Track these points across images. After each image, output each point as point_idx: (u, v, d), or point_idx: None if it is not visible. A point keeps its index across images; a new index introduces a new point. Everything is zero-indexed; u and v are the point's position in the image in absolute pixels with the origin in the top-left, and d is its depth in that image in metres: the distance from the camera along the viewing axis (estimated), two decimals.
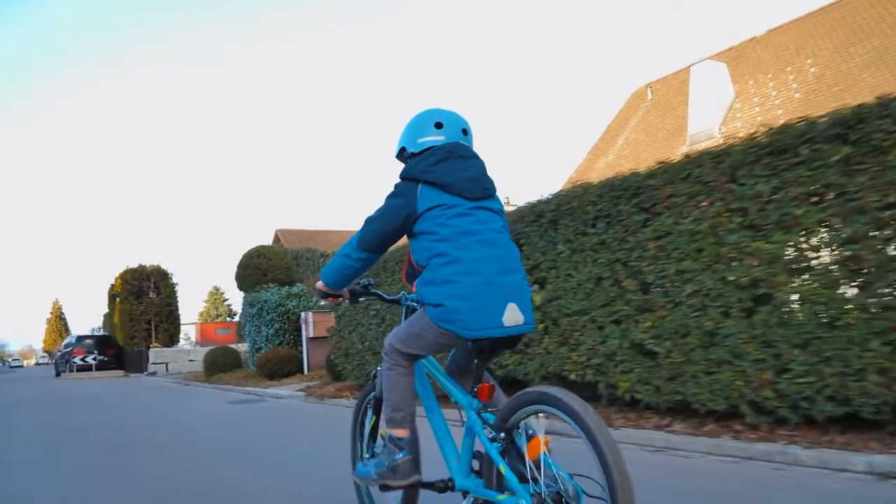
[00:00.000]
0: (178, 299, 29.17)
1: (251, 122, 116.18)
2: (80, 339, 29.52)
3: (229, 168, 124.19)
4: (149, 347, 26.17)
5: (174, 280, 29.09)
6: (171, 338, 28.61)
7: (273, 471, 4.74)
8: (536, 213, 6.31)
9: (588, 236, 5.71)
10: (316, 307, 14.65)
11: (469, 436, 2.35)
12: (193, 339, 35.79)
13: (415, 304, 2.73)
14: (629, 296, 5.32)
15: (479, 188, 2.37)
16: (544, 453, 2.01)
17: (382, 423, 2.61)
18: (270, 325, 15.61)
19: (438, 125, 2.48)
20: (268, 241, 40.50)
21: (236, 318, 63.65)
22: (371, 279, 2.91)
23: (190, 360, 25.37)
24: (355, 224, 17.84)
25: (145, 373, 25.18)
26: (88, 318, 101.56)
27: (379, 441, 2.78)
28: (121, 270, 29.04)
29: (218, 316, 61.30)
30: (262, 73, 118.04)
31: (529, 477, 2.04)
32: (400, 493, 2.62)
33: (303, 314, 14.82)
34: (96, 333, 32.04)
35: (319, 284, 2.65)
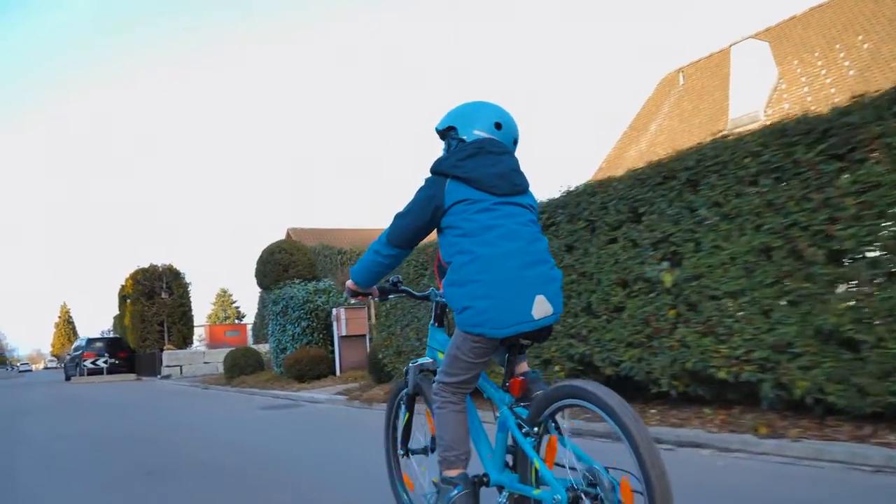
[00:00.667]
0: (192, 299, 27.93)
1: (257, 122, 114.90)
2: (91, 341, 28.35)
3: (237, 168, 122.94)
4: (162, 350, 24.98)
5: (187, 280, 27.87)
6: (185, 339, 27.42)
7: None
8: (665, 174, 5.11)
9: (746, 197, 4.51)
10: (347, 303, 13.47)
11: (502, 431, 2.32)
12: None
13: (443, 299, 2.68)
14: (815, 269, 4.11)
15: (508, 184, 2.30)
16: (577, 446, 2.02)
17: (436, 466, 2.44)
18: (297, 323, 14.41)
19: (498, 126, 2.41)
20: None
21: (245, 321, 62.92)
22: (399, 276, 2.85)
23: (205, 363, 24.18)
24: (368, 222, 16.97)
25: (159, 376, 24.00)
26: (97, 321, 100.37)
27: (430, 488, 2.62)
28: (131, 271, 27.88)
29: (226, 318, 60.33)
30: (268, 74, 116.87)
31: (567, 468, 2.03)
32: None
33: (334, 311, 13.62)
34: (107, 336, 30.85)
35: (349, 283, 2.64)
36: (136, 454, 5.97)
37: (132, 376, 26.47)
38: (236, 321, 57.43)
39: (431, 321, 2.77)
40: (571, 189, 6.04)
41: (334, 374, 13.24)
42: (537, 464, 2.08)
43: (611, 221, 5.56)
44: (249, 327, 29.71)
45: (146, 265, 27.32)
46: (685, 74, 24.04)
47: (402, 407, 2.90)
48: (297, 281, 16.28)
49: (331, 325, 14.08)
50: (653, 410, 5.48)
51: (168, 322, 26.95)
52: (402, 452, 2.90)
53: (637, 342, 5.28)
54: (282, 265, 17.69)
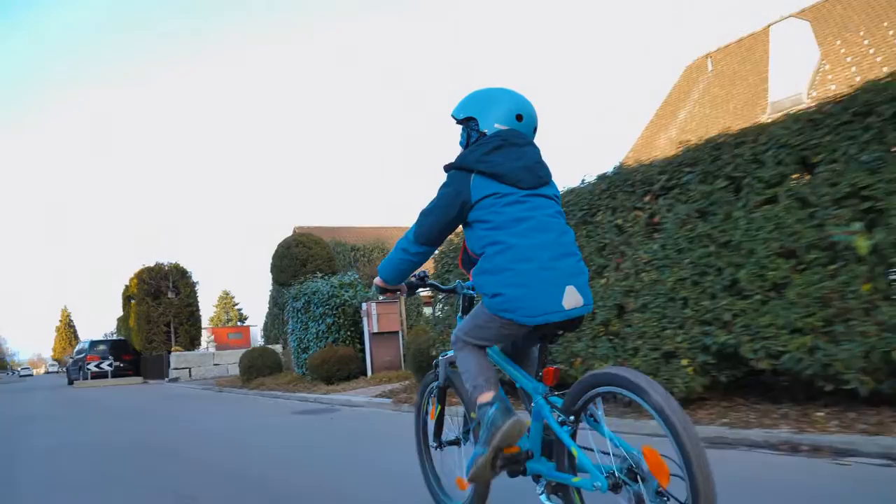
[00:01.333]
0: (199, 299, 26.74)
1: (262, 119, 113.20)
2: (94, 344, 27.15)
3: (241, 167, 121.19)
4: (169, 352, 23.79)
5: (194, 279, 26.67)
6: (192, 341, 26.24)
7: None
8: (854, 112, 3.95)
9: None
10: (376, 298, 12.30)
11: (538, 420, 2.29)
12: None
13: (471, 291, 2.75)
14: None
15: (534, 177, 2.28)
16: (613, 434, 2.01)
17: (471, 405, 2.41)
18: (321, 320, 13.21)
19: (519, 118, 2.36)
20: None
21: (247, 323, 61.77)
22: (426, 270, 2.85)
23: (215, 365, 23.01)
24: (376, 220, 15.96)
25: (166, 379, 22.82)
26: (99, 325, 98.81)
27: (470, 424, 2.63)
28: (136, 270, 26.70)
29: (229, 321, 59.27)
30: (273, 72, 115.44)
31: (611, 453, 2.00)
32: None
33: (364, 306, 12.43)
34: (111, 338, 29.64)
35: (377, 280, 2.63)
36: (161, 470, 4.82)
37: (138, 379, 25.28)
38: (238, 324, 56.50)
39: (458, 313, 2.79)
40: (707, 142, 4.87)
41: (364, 374, 12.07)
42: (575, 451, 2.07)
43: (767, 177, 4.40)
44: (259, 328, 28.54)
45: (151, 264, 26.11)
46: (713, 60, 22.99)
47: (434, 400, 2.91)
48: (318, 275, 15.13)
49: (359, 322, 12.91)
50: (819, 413, 4.33)
51: (175, 323, 25.78)
52: (434, 445, 2.91)
53: (809, 328, 4.12)
54: (299, 259, 16.54)
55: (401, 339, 12.33)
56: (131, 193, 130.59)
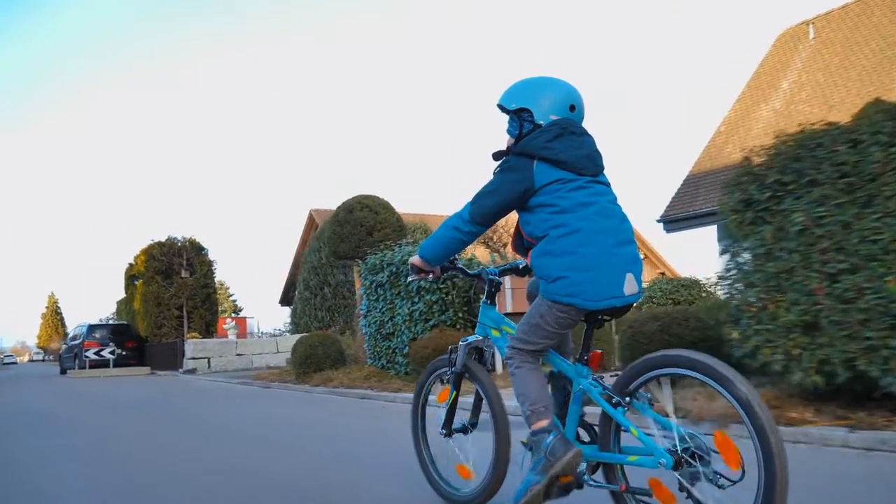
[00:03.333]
0: (216, 279, 23.09)
1: (274, 100, 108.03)
2: (93, 329, 23.45)
3: (251, 150, 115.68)
4: (183, 339, 20.18)
5: (211, 257, 23.05)
6: (208, 327, 22.63)
7: None
8: None
9: None
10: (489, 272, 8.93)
11: (577, 403, 2.32)
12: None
13: (496, 277, 2.78)
14: None
15: (594, 165, 2.31)
16: (663, 417, 2.03)
17: (526, 423, 2.32)
18: (417, 297, 9.79)
19: (572, 108, 2.36)
20: (300, 224, 35.06)
21: (241, 314, 57.94)
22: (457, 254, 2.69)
23: (238, 355, 19.46)
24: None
25: (181, 370, 19.27)
26: (88, 312, 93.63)
27: (524, 453, 2.39)
28: (143, 246, 23.05)
29: (223, 311, 55.72)
30: (282, 56, 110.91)
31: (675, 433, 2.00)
32: (492, 446, 2.61)
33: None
34: (112, 322, 25.88)
35: (415, 259, 2.63)
36: None
37: (144, 370, 21.64)
38: (234, 314, 53.26)
39: (483, 299, 2.77)
40: None
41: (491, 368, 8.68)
42: (635, 431, 2.06)
43: None
44: (288, 313, 24.89)
45: (163, 238, 22.47)
46: (815, 27, 19.95)
47: (450, 387, 2.84)
48: (390, 244, 11.70)
49: (473, 301, 9.51)
50: None
51: (188, 306, 22.15)
52: (443, 433, 2.83)
53: None
54: (365, 226, 13.09)
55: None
56: (123, 178, 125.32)
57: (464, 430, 2.79)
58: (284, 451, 4.64)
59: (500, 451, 2.58)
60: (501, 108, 2.42)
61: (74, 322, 73.01)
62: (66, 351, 24.52)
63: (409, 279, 2.82)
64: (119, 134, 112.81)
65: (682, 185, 18.20)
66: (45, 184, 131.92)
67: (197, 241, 22.64)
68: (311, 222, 33.58)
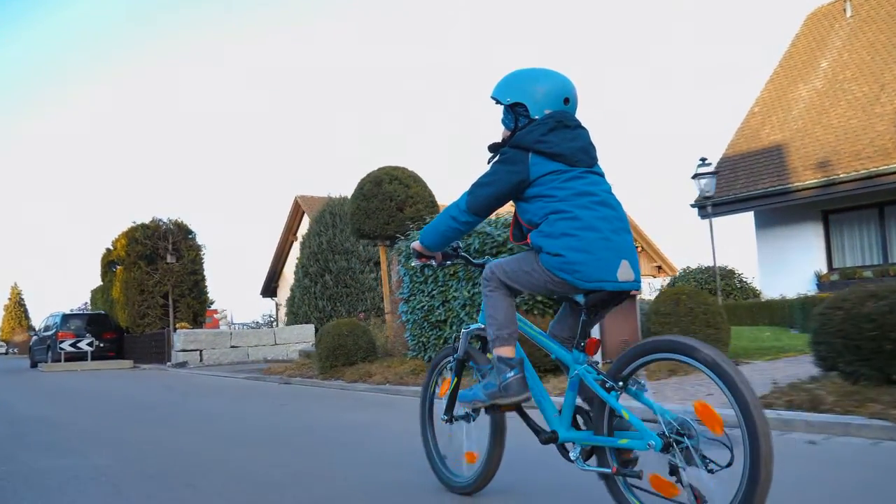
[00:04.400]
0: (205, 266, 21.19)
1: (259, 84, 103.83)
2: (68, 318, 21.40)
3: (235, 134, 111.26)
4: (174, 329, 18.32)
5: (199, 241, 21.13)
6: (196, 317, 20.74)
7: None
8: None
9: None
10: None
11: (573, 389, 2.33)
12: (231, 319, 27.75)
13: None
14: None
15: (588, 157, 2.35)
16: (653, 402, 2.05)
17: (490, 346, 2.45)
18: (472, 279, 8.24)
19: (566, 101, 2.39)
20: (285, 210, 33.26)
21: (213, 306, 55.99)
22: (460, 242, 2.82)
23: (232, 347, 17.70)
24: None
25: (169, 364, 17.44)
26: (56, 302, 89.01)
27: (484, 366, 2.59)
28: (125, 229, 21.05)
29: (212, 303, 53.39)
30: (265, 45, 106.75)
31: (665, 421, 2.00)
32: (488, 427, 2.66)
33: None
34: (88, 311, 23.77)
35: (416, 245, 2.65)
36: None
37: (125, 363, 19.70)
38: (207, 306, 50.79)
39: None
40: None
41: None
42: (626, 414, 2.07)
43: None
44: (282, 303, 23.08)
45: (148, 220, 20.51)
46: (853, 5, 18.87)
47: (451, 374, 2.82)
48: (427, 220, 10.13)
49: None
50: None
51: (174, 294, 20.23)
52: (445, 418, 2.84)
53: None
54: (396, 201, 11.51)
55: (637, 310, 7.51)
56: (92, 164, 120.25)
57: (467, 417, 2.77)
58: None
59: (496, 438, 2.63)
60: (495, 100, 2.46)
61: (39, 314, 69.58)
62: (36, 342, 22.40)
63: (413, 263, 2.74)
64: (90, 115, 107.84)
65: (716, 167, 16.91)
66: (3, 169, 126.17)
67: (184, 223, 20.71)
68: (296, 209, 31.89)
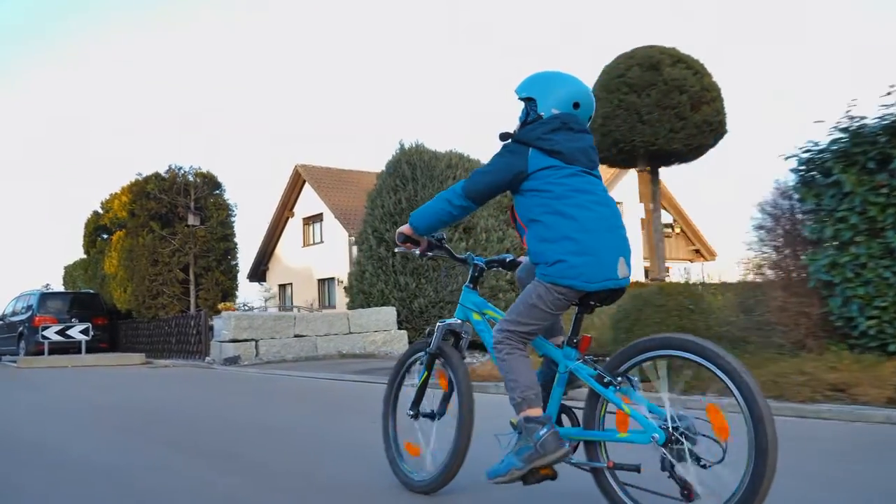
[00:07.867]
0: (236, 230, 16.09)
1: (259, 49, 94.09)
2: (46, 298, 16.08)
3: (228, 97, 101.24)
4: (206, 312, 13.30)
5: (229, 199, 16.02)
6: (225, 297, 15.68)
7: None
8: None
9: None
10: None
11: (561, 385, 2.32)
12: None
13: (481, 263, 2.75)
14: None
15: (587, 159, 2.36)
16: (647, 399, 2.07)
17: (513, 411, 2.32)
18: None
19: (576, 105, 2.39)
20: (283, 179, 28.54)
21: None
22: (444, 234, 2.79)
23: (296, 336, 12.87)
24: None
25: (208, 359, 12.51)
26: (12, 284, 78.17)
27: (509, 433, 2.38)
28: (127, 182, 15.80)
29: None
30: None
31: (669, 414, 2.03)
32: (455, 424, 2.58)
33: None
34: (74, 291, 18.27)
35: (404, 228, 2.62)
36: None
37: (135, 357, 14.55)
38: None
39: (467, 283, 2.74)
40: None
41: None
42: (627, 409, 2.08)
43: None
44: (337, 282, 18.12)
45: (164, 168, 15.26)
46: None
47: (421, 367, 2.79)
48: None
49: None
50: None
51: (197, 267, 15.16)
52: (412, 413, 2.79)
53: None
54: (687, 93, 7.03)
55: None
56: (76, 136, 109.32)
57: (432, 416, 2.73)
58: None
59: (461, 444, 2.52)
60: (516, 94, 2.51)
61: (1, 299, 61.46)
62: (4, 329, 16.91)
63: (396, 249, 2.75)
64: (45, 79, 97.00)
65: None
66: None
67: (211, 173, 15.51)
68: (296, 178, 27.48)
